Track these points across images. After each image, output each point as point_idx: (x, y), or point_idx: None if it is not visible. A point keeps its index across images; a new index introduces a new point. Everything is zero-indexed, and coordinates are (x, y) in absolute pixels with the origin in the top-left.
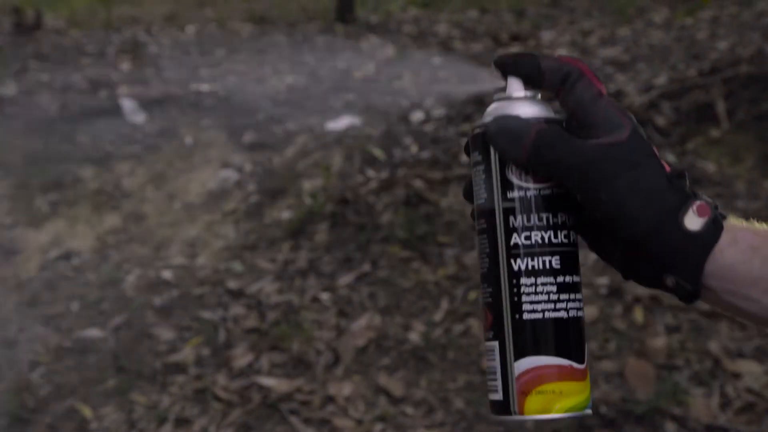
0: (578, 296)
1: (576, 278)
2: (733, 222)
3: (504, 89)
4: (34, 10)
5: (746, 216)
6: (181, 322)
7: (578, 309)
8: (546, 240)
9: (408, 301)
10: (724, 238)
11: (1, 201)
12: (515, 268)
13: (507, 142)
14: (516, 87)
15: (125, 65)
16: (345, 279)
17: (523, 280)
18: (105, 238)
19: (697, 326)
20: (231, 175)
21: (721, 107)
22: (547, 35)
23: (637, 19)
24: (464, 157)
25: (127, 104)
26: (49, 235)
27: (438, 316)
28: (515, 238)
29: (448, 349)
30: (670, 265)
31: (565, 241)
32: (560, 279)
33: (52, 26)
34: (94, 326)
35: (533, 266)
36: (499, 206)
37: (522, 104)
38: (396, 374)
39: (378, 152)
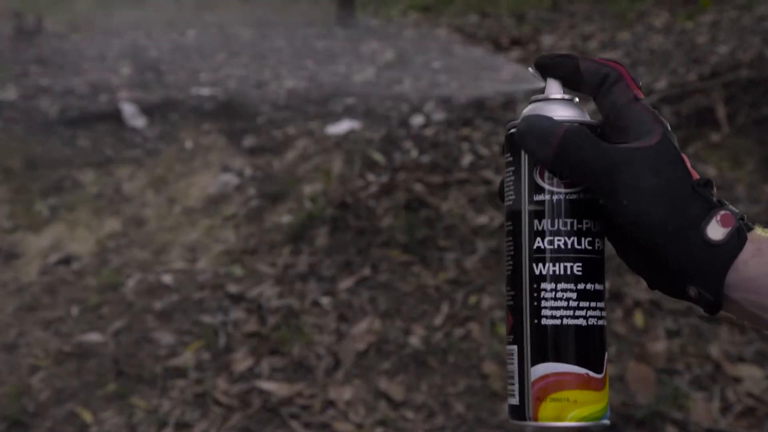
0: (600, 305)
1: (599, 286)
2: (759, 233)
3: (543, 90)
4: (35, 15)
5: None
6: (181, 327)
7: (599, 318)
8: (569, 245)
9: (408, 305)
10: (749, 249)
11: (1, 205)
12: (537, 272)
13: (534, 142)
14: (554, 88)
15: (125, 70)
16: (345, 283)
17: (544, 285)
18: (105, 242)
19: (697, 330)
20: (231, 179)
21: (721, 111)
22: (547, 39)
23: (637, 23)
24: (464, 161)
25: (128, 108)
26: (49, 240)
27: (438, 321)
28: (539, 242)
29: (448, 353)
30: (692, 275)
31: (589, 248)
32: (581, 286)
33: (52, 31)
34: (94, 330)
35: (555, 271)
36: (525, 208)
37: (557, 106)
38: (396, 378)
39: (378, 156)
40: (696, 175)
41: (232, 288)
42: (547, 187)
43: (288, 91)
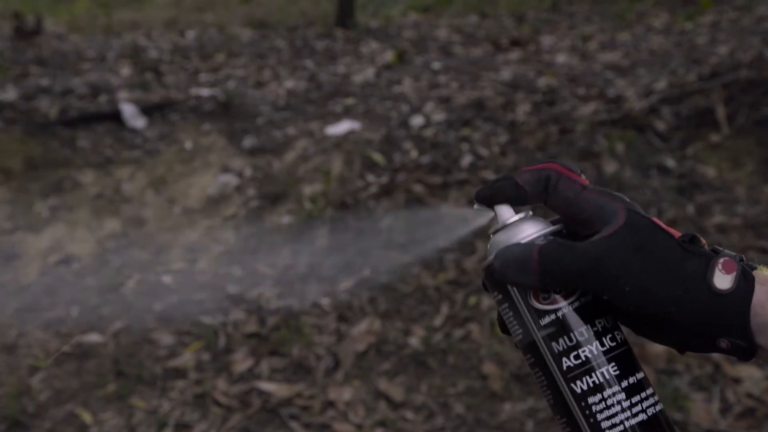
0: (649, 392)
1: (640, 375)
2: (765, 273)
3: (496, 220)
4: (35, 15)
5: (746, 221)
6: (181, 327)
7: (654, 405)
8: (595, 351)
9: (408, 306)
10: (762, 292)
11: (1, 206)
12: (578, 390)
13: (515, 274)
14: (505, 213)
15: (125, 70)
16: (345, 284)
17: (591, 400)
18: (105, 242)
19: None
20: (231, 179)
21: (721, 112)
22: (547, 40)
23: (637, 24)
24: (464, 162)
25: (127, 109)
26: (49, 240)
27: (438, 321)
28: (566, 362)
29: (448, 354)
30: (717, 329)
31: (613, 344)
32: (625, 383)
33: (52, 31)
34: (94, 331)
35: (594, 382)
36: (537, 337)
37: (516, 228)
38: (396, 379)
39: (378, 157)
40: (677, 234)
41: (232, 288)
42: (548, 308)
43: (288, 91)
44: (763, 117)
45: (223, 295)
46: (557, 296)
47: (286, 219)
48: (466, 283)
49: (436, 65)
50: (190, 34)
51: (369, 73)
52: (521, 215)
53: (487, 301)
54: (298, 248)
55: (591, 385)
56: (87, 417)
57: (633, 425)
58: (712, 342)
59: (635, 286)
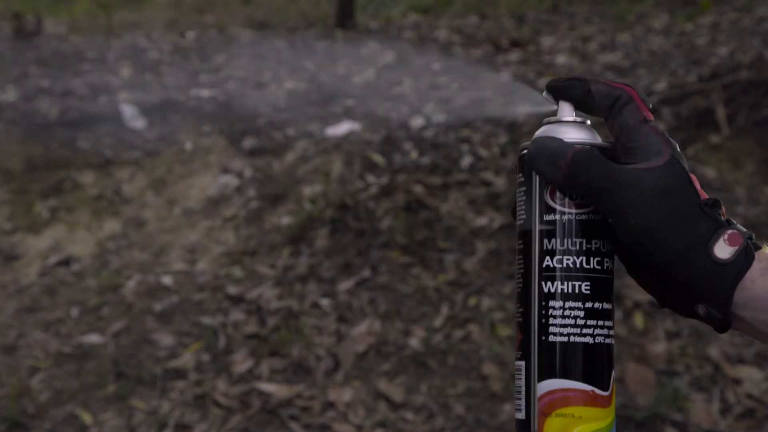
0: (608, 323)
1: (607, 305)
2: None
3: (555, 113)
4: (35, 16)
5: (746, 221)
6: (181, 328)
7: (606, 336)
8: (579, 265)
9: (408, 307)
10: (757, 268)
11: (1, 206)
12: (545, 290)
13: (545, 163)
14: (566, 111)
15: (125, 71)
16: (345, 284)
17: (552, 303)
18: (105, 243)
19: (697, 332)
20: (231, 180)
21: (721, 113)
22: (547, 41)
23: (637, 24)
24: (464, 163)
25: (127, 110)
26: (49, 241)
27: (438, 322)
28: (548, 261)
29: (448, 354)
30: (700, 294)
31: (598, 267)
32: (589, 305)
33: (52, 32)
34: (94, 332)
35: (563, 290)
36: (536, 228)
37: (569, 128)
38: (396, 380)
39: (378, 158)
40: (705, 196)
41: (232, 289)
42: (557, 207)
43: (288, 92)
44: (763, 118)
45: (223, 295)
46: (571, 201)
47: (286, 220)
48: (467, 283)
49: (436, 66)
50: (190, 35)
51: (369, 73)
52: (579, 119)
53: (487, 302)
54: (298, 249)
55: (559, 291)
56: (87, 418)
57: (576, 342)
58: (691, 306)
59: (641, 225)
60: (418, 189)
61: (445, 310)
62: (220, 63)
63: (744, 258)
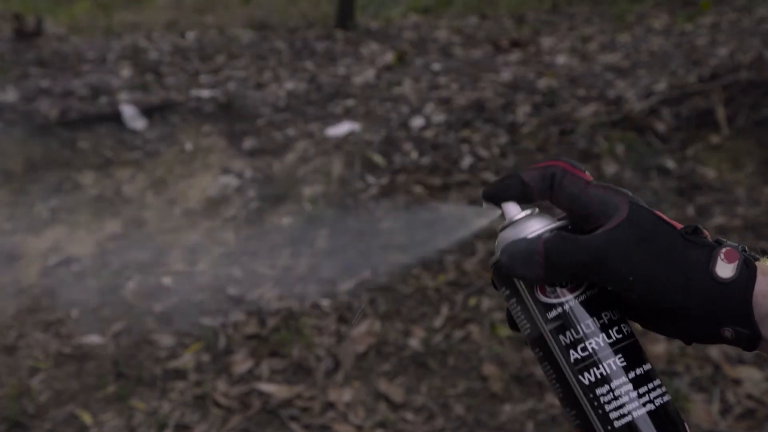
0: (656, 383)
1: (647, 366)
2: (767, 264)
3: (503, 217)
4: (35, 17)
5: (746, 221)
6: (181, 329)
7: (662, 395)
8: (602, 343)
9: (408, 307)
10: (763, 282)
11: (1, 207)
12: (586, 382)
13: (522, 266)
14: (512, 210)
15: (125, 71)
16: (345, 285)
17: (599, 391)
18: (105, 244)
19: None
20: (231, 181)
21: (721, 113)
22: (547, 41)
23: (637, 25)
24: (464, 163)
25: (128, 110)
26: (49, 242)
27: (438, 322)
28: (574, 354)
29: (448, 355)
30: (720, 317)
31: (619, 336)
32: (632, 374)
33: (52, 32)
34: (94, 332)
35: (602, 373)
36: (545, 330)
37: (524, 224)
38: (396, 380)
39: (378, 158)
40: (679, 226)
41: (232, 290)
42: (554, 300)
43: (288, 92)
44: (763, 118)
45: (223, 296)
46: (563, 290)
47: (286, 220)
48: (466, 284)
49: (436, 66)
50: (191, 36)
51: (369, 74)
52: (527, 212)
53: (487, 302)
54: (298, 249)
55: (599, 376)
56: (87, 418)
57: (641, 415)
58: (716, 331)
59: (638, 276)
60: (419, 189)
61: (445, 310)
62: (220, 63)
63: (746, 271)
